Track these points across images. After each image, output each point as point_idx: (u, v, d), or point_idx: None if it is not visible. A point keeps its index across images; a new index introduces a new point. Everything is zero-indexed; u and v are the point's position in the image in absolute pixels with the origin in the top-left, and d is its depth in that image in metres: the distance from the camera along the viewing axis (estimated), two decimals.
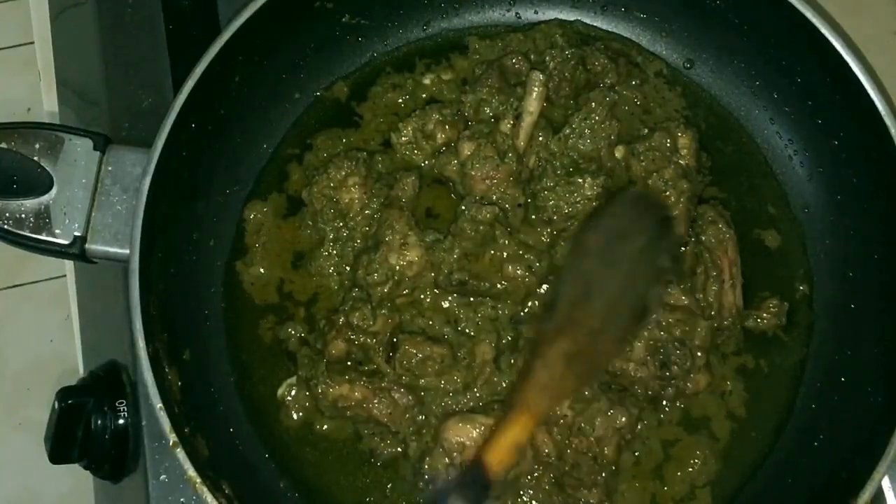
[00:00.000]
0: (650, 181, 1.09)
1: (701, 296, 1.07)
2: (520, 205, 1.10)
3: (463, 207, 1.09)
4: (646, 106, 1.18)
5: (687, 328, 1.04)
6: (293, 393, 1.07)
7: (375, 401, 1.03)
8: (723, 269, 1.08)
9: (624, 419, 1.01)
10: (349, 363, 1.06)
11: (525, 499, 1.02)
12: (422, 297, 1.07)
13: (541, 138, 1.12)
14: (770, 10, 1.11)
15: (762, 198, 1.16)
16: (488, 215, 1.07)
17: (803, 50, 1.11)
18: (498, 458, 0.86)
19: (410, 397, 1.03)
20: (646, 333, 1.03)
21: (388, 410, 1.03)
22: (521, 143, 1.12)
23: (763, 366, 1.10)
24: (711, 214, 1.11)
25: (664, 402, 1.06)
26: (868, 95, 1.05)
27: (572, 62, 1.14)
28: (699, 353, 1.04)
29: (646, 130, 1.15)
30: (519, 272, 1.06)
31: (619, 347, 0.98)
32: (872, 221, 1.10)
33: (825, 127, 1.13)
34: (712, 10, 1.17)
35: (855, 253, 1.11)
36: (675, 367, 1.03)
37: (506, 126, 1.11)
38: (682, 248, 1.09)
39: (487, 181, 1.09)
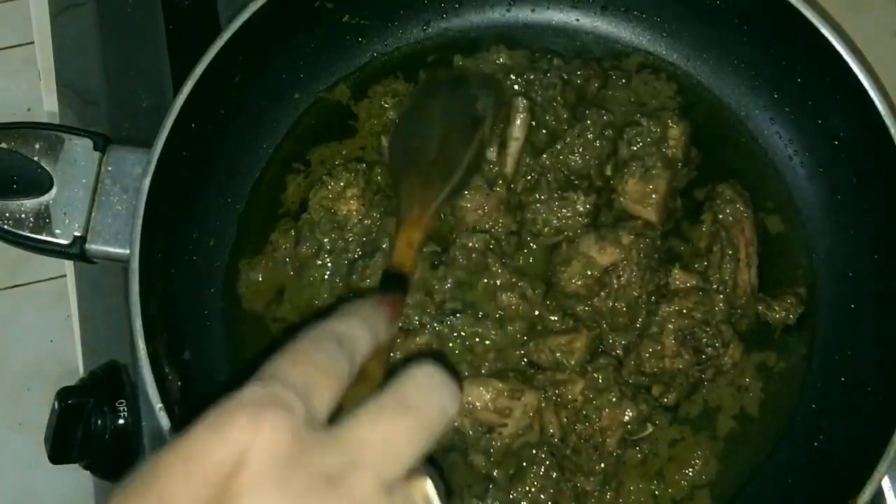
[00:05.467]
0: (634, 165, 1.09)
1: (716, 274, 1.08)
2: (512, 232, 1.10)
3: (455, 236, 1.09)
4: (639, 101, 1.18)
5: (706, 308, 1.05)
6: None
7: None
8: (739, 248, 1.09)
9: (631, 414, 1.02)
10: None
11: (531, 485, 1.02)
12: (416, 318, 1.06)
13: (529, 161, 1.12)
14: (770, 10, 1.10)
15: (762, 198, 1.16)
16: (480, 244, 1.07)
17: (803, 50, 1.11)
18: (401, 255, 0.92)
19: None
20: (670, 326, 1.04)
21: None
22: (510, 169, 1.11)
23: (771, 364, 1.10)
24: (730, 193, 1.11)
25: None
26: (868, 95, 1.05)
27: (558, 86, 1.14)
28: (724, 327, 1.05)
29: (639, 116, 1.14)
30: (513, 300, 1.06)
31: (467, 149, 1.07)
32: (873, 222, 1.10)
33: (825, 127, 1.13)
34: (712, 10, 1.17)
35: (855, 253, 1.11)
36: (710, 348, 1.04)
37: (491, 154, 1.11)
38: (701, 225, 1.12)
39: (479, 211, 1.09)
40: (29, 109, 2.02)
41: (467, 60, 1.20)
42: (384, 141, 1.15)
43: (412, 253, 0.94)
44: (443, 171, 1.03)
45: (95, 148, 1.04)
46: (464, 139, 1.07)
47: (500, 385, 1.01)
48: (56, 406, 1.06)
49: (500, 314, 1.07)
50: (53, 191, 1.03)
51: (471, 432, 1.01)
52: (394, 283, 0.89)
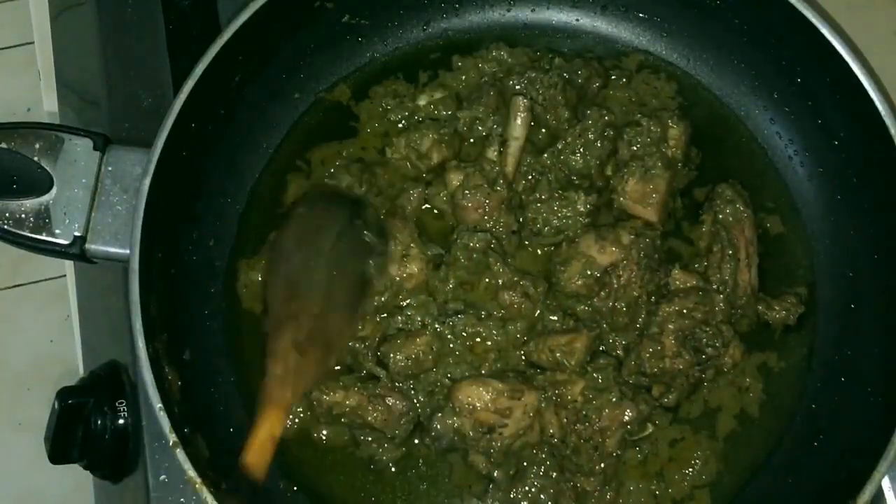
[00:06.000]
0: (634, 165, 1.09)
1: (716, 274, 1.08)
2: (514, 231, 1.10)
3: (455, 236, 1.09)
4: (640, 101, 1.19)
5: (706, 308, 1.05)
6: None
7: (370, 407, 1.03)
8: (739, 248, 1.09)
9: (630, 414, 1.02)
10: (338, 367, 1.06)
11: (532, 485, 1.02)
12: (418, 318, 1.06)
13: (529, 160, 1.12)
14: (770, 10, 1.10)
15: (762, 198, 1.16)
16: (481, 243, 1.07)
17: (803, 50, 1.11)
18: (256, 457, 0.89)
19: (405, 403, 1.04)
20: (671, 326, 1.04)
21: (384, 417, 1.03)
22: (510, 169, 1.11)
23: (771, 365, 1.10)
24: (730, 193, 1.11)
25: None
26: (868, 95, 1.05)
27: (559, 85, 1.14)
28: (724, 328, 1.05)
29: (639, 116, 1.15)
30: (515, 299, 1.06)
31: (350, 322, 1.02)
32: (872, 221, 1.10)
33: (825, 127, 1.13)
34: (712, 10, 1.17)
35: (855, 253, 1.11)
36: (710, 348, 1.04)
37: (492, 153, 1.11)
38: (701, 227, 1.11)
39: (480, 210, 1.09)
40: (29, 109, 2.02)
41: (466, 60, 1.20)
42: (388, 153, 1.15)
43: (269, 452, 0.88)
44: (326, 339, 0.97)
45: (95, 148, 1.04)
46: (351, 301, 1.01)
47: (501, 385, 1.02)
48: (56, 406, 1.06)
49: (501, 313, 1.07)
50: (53, 191, 1.03)
51: (471, 433, 1.01)
52: (243, 487, 0.84)
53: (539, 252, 1.11)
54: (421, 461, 1.06)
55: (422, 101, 1.18)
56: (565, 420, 1.03)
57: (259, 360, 1.09)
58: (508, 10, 1.24)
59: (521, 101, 1.12)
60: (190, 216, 1.10)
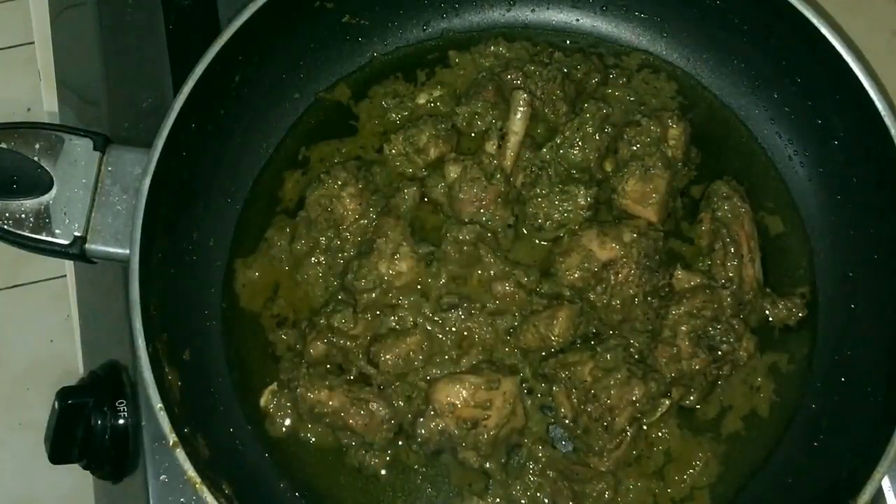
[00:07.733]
0: (634, 165, 1.10)
1: (722, 272, 1.08)
2: (510, 225, 1.10)
3: (444, 231, 1.09)
4: (640, 100, 1.19)
5: (715, 305, 1.05)
6: (275, 401, 1.07)
7: (352, 410, 1.03)
8: (741, 244, 1.09)
9: (639, 392, 1.01)
10: (328, 366, 1.06)
11: (530, 485, 1.03)
12: (411, 318, 1.06)
13: (528, 155, 1.12)
14: (770, 10, 1.11)
15: (762, 198, 1.16)
16: (471, 235, 1.07)
17: (803, 50, 1.11)
18: None
19: (387, 410, 1.03)
20: (683, 329, 1.04)
21: (365, 421, 1.03)
22: (508, 163, 1.11)
23: (781, 366, 1.10)
24: (725, 190, 1.11)
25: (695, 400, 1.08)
26: (868, 95, 1.05)
27: (558, 79, 1.14)
28: (735, 321, 1.06)
29: (639, 116, 1.15)
30: (509, 289, 1.06)
31: None
32: (872, 221, 1.10)
33: (825, 127, 1.13)
34: (712, 10, 1.17)
35: (855, 253, 1.11)
36: (724, 345, 1.05)
37: (491, 147, 1.11)
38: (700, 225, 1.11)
39: (476, 203, 1.09)
40: (29, 109, 2.02)
41: (464, 55, 1.20)
42: (386, 149, 1.15)
43: None
44: None
45: (95, 148, 1.04)
46: None
47: (476, 379, 1.02)
48: (56, 406, 1.06)
49: (496, 305, 1.07)
50: (53, 191, 1.03)
51: (456, 431, 1.01)
52: None
53: (538, 244, 1.11)
54: (417, 464, 1.06)
55: (421, 100, 1.18)
56: (576, 401, 1.03)
57: (258, 360, 1.10)
58: (508, 10, 1.24)
59: (523, 96, 1.12)
60: (190, 216, 1.10)
